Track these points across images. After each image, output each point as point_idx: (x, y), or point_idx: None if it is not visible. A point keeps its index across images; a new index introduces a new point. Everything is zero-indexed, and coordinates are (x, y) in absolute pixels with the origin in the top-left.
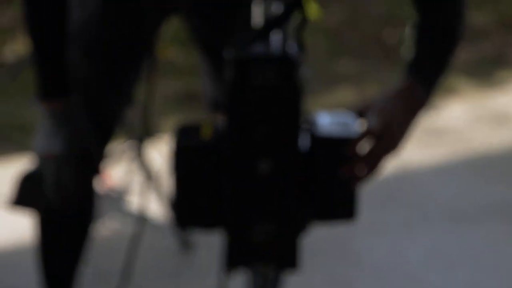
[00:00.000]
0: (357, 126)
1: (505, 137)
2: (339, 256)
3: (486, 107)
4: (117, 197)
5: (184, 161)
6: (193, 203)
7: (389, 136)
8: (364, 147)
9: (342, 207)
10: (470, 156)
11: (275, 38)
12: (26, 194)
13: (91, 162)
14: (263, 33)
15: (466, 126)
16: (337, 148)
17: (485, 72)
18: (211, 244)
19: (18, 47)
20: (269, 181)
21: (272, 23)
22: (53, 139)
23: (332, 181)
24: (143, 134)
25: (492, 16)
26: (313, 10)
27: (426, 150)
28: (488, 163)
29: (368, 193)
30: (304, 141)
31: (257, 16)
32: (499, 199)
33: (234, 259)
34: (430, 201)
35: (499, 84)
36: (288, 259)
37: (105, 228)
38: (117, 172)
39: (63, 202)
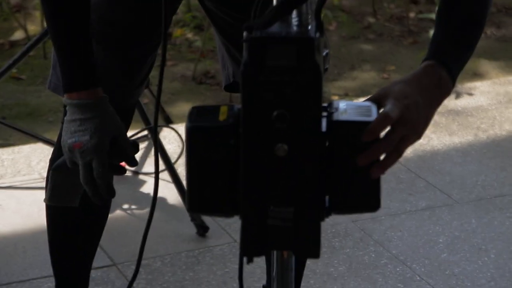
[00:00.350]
0: (378, 112)
1: None
2: (360, 240)
3: (511, 90)
4: (132, 180)
5: (197, 141)
6: (206, 187)
7: (410, 120)
8: (383, 132)
9: (364, 198)
10: (495, 140)
11: (294, 17)
12: (60, 191)
13: (122, 152)
14: (281, 12)
15: (491, 109)
16: (357, 133)
17: (509, 53)
18: (231, 229)
19: (31, 27)
20: (286, 164)
21: (291, 2)
22: (82, 130)
23: (351, 168)
24: (157, 119)
25: None
26: None
27: (451, 135)
28: None
29: (392, 178)
30: (323, 125)
31: None
32: None
33: (250, 245)
34: (456, 185)
35: None
36: (307, 245)
37: (120, 211)
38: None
39: (95, 195)
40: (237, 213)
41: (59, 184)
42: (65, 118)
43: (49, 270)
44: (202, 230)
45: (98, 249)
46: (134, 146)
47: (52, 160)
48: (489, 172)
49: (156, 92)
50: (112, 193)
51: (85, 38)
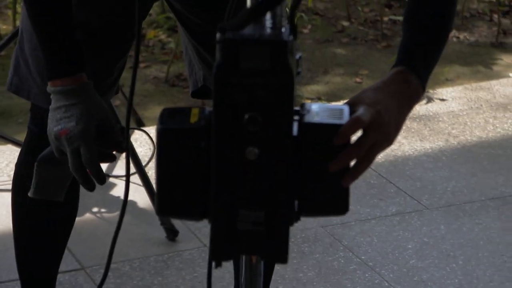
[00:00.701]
0: (349, 116)
1: (504, 126)
2: (330, 245)
3: (482, 95)
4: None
5: (168, 143)
6: (176, 190)
7: (381, 125)
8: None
9: (333, 201)
10: (466, 146)
11: (267, 20)
12: (45, 184)
13: (109, 137)
14: (255, 14)
15: (463, 115)
16: (328, 136)
17: (481, 58)
18: (200, 233)
19: (2, 26)
20: (257, 167)
21: (265, 4)
22: (67, 116)
23: (321, 171)
24: (129, 122)
25: (488, 2)
26: None
27: (422, 140)
28: (486, 153)
29: (363, 183)
30: (294, 129)
31: None
32: (496, 190)
33: (219, 249)
34: (426, 191)
35: (496, 70)
36: (275, 250)
37: (90, 214)
38: None
39: (85, 182)
40: (206, 216)
41: (45, 177)
42: (50, 107)
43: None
44: (172, 234)
45: (66, 252)
46: (121, 130)
47: (19, 164)
48: (459, 178)
49: (128, 94)
50: (102, 179)
51: (68, 24)
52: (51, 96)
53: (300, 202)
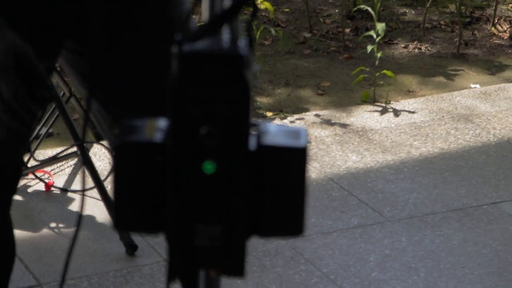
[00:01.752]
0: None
1: (465, 137)
2: (291, 258)
3: (444, 106)
4: (60, 198)
5: (124, 157)
6: (132, 204)
7: None
8: None
9: (288, 222)
10: (428, 157)
11: (224, 33)
12: None
13: (32, 72)
14: (212, 27)
15: (424, 126)
16: (283, 158)
17: (442, 69)
18: (160, 247)
19: None
20: (214, 182)
21: (221, 17)
22: None
23: (276, 192)
24: (86, 136)
25: (450, 11)
26: (264, 4)
27: (384, 152)
28: (447, 164)
29: (325, 196)
30: (251, 145)
31: (205, 9)
32: (457, 201)
33: (176, 264)
34: (388, 203)
35: (457, 81)
36: (233, 264)
37: (47, 229)
38: (62, 174)
39: (13, 119)
40: (163, 230)
41: None
42: None
43: None
44: (131, 249)
45: (23, 269)
46: (47, 71)
47: None
48: (421, 190)
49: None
50: (31, 113)
51: None
52: None
53: (255, 223)
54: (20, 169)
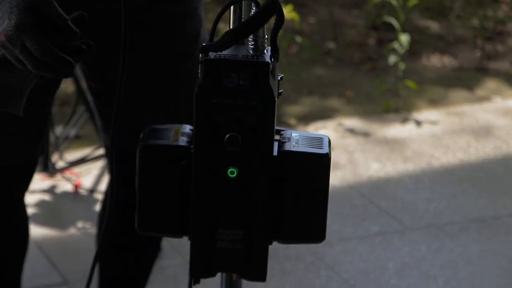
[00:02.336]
0: (330, 146)
1: (486, 149)
2: (312, 263)
3: (465, 118)
4: (88, 199)
5: (149, 160)
6: (156, 206)
7: None
8: None
9: (309, 229)
10: (448, 168)
11: (250, 41)
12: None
13: (55, 22)
14: (238, 35)
15: (445, 137)
16: (306, 165)
17: (464, 83)
18: (183, 250)
19: None
20: (236, 186)
21: (248, 26)
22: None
23: (299, 199)
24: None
25: (473, 26)
26: (290, 14)
27: (405, 161)
28: (467, 175)
29: (346, 203)
30: (274, 151)
31: (232, 18)
32: (476, 212)
33: (199, 267)
34: (407, 212)
35: (479, 95)
36: (254, 268)
37: (74, 229)
38: (89, 175)
39: (53, 71)
40: (186, 233)
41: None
42: None
43: None
44: None
45: (51, 267)
46: (76, 19)
47: None
48: (441, 200)
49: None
50: (66, 61)
51: None
52: None
53: (276, 229)
54: (34, 170)
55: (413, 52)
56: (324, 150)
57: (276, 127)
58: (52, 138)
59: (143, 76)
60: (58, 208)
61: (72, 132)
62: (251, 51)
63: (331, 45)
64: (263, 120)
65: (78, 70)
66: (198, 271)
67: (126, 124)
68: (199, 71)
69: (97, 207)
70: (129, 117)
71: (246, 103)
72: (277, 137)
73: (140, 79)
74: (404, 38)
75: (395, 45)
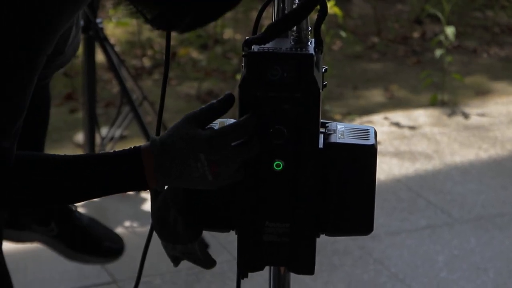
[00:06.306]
0: (376, 137)
1: None
2: (360, 258)
3: None
4: (134, 198)
5: None
6: (203, 202)
7: None
8: None
9: (357, 221)
10: (497, 160)
11: (293, 33)
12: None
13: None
14: (281, 28)
15: (493, 129)
16: (353, 156)
17: (510, 74)
18: (231, 246)
19: None
20: (282, 179)
21: (291, 18)
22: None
23: (346, 191)
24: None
25: None
26: (333, 9)
27: (452, 154)
28: None
29: (393, 197)
30: (320, 142)
31: (276, 10)
32: None
33: (246, 261)
34: (456, 204)
35: None
36: (302, 261)
37: (122, 228)
38: None
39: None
40: (233, 228)
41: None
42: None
43: (46, 286)
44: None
45: (99, 266)
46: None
47: None
48: (489, 191)
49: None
50: (211, 261)
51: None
52: None
53: (323, 221)
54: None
55: (458, 44)
56: (370, 141)
57: (321, 120)
58: (98, 139)
59: None
60: (105, 208)
61: (118, 132)
62: (294, 44)
63: (375, 39)
64: (308, 112)
65: (124, 72)
66: (245, 265)
67: None
68: (242, 64)
69: (144, 206)
70: None
71: (290, 95)
72: (322, 129)
73: None
74: (450, 30)
75: (441, 37)
